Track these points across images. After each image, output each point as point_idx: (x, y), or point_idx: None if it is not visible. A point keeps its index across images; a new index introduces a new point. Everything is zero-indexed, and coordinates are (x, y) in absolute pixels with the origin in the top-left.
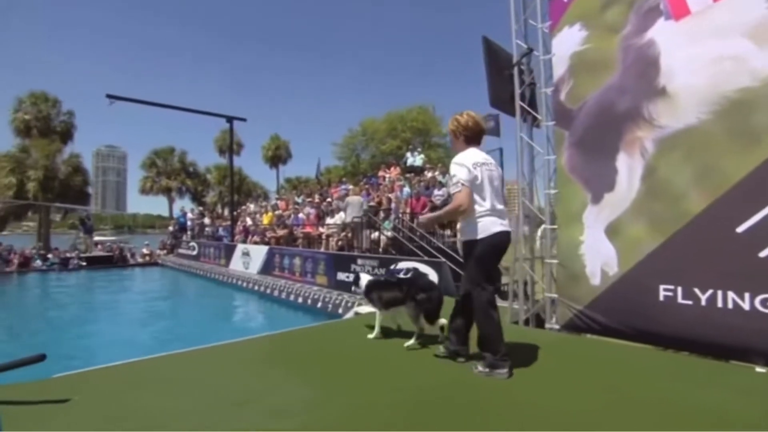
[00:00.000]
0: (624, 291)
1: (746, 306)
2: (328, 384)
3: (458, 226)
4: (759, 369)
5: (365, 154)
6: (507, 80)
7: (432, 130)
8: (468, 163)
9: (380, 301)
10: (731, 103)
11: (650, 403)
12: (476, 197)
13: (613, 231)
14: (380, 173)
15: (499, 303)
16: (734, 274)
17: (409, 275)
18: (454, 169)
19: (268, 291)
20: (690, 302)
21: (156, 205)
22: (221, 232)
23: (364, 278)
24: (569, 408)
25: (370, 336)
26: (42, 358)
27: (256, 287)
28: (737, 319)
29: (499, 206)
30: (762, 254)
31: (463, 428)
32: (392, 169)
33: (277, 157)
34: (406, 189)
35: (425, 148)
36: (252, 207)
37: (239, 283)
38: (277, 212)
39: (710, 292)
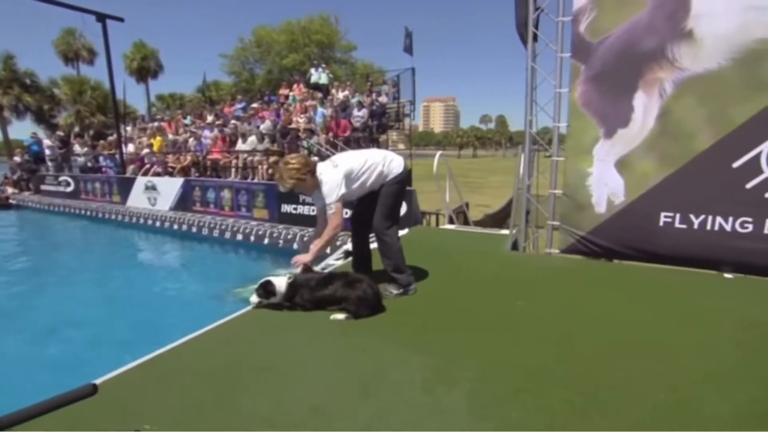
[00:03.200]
0: (627, 218)
1: (728, 228)
2: (432, 348)
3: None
4: (727, 275)
5: (260, 69)
6: (524, 2)
7: (336, 45)
8: (338, 177)
9: (311, 302)
10: (750, 53)
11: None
12: (381, 159)
13: (623, 164)
14: (281, 91)
15: (500, 232)
16: (724, 202)
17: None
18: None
19: (193, 229)
20: (684, 226)
21: None
22: (103, 161)
23: (279, 282)
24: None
25: (339, 317)
26: (93, 391)
27: (174, 226)
28: (719, 238)
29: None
30: (749, 185)
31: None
32: (296, 86)
33: (145, 69)
34: (320, 110)
35: (330, 63)
36: (129, 130)
37: (146, 222)
38: (170, 137)
39: (702, 217)
